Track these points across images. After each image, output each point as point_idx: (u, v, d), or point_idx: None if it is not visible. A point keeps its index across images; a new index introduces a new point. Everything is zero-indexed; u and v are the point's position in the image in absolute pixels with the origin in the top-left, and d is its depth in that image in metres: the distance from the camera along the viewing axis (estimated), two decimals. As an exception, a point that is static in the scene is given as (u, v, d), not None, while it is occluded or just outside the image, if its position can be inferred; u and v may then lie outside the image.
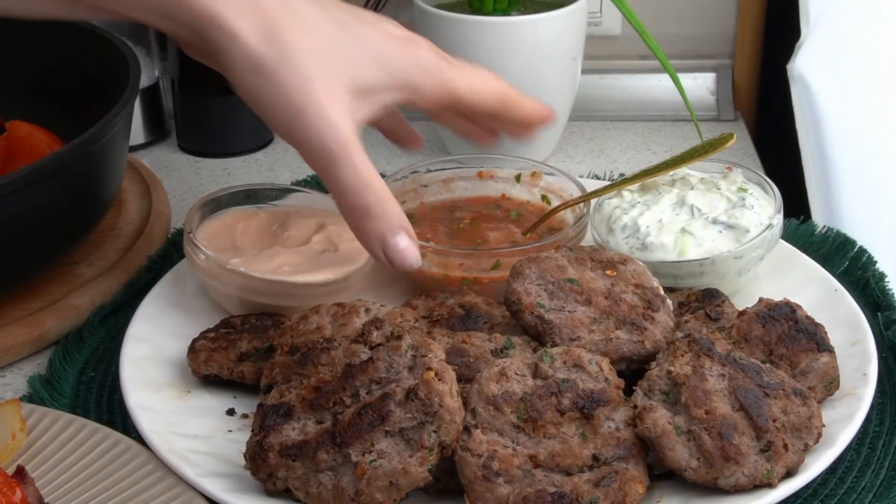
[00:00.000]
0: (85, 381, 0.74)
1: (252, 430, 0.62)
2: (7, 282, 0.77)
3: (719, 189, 0.78)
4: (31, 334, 0.76)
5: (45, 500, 0.59)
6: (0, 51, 0.96)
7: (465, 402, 0.61)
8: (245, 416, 0.68)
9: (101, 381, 0.74)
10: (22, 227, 0.74)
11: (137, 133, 1.04)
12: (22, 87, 0.96)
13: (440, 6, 0.95)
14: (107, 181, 0.82)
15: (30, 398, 0.71)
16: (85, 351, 0.77)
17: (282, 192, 0.82)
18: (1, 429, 0.63)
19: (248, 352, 0.69)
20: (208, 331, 0.72)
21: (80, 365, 0.75)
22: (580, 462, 0.60)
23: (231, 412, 0.69)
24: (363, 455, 0.59)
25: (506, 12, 0.95)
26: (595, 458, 0.60)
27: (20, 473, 0.59)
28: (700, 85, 1.11)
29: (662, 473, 0.63)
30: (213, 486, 0.60)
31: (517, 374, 0.62)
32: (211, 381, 0.70)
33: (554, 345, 0.65)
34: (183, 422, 0.66)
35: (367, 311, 0.68)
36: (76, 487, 0.62)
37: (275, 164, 1.02)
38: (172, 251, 0.86)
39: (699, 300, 0.73)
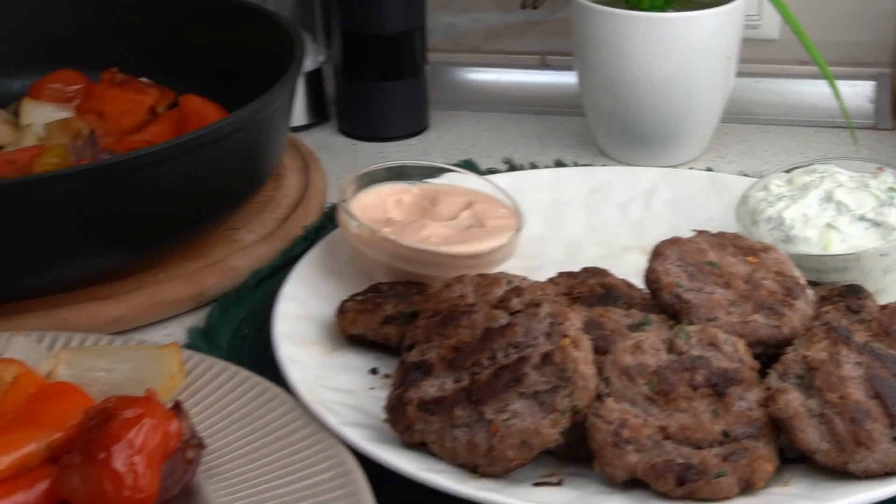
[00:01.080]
0: (239, 337, 0.78)
1: (393, 385, 0.65)
2: (173, 239, 0.82)
3: (868, 187, 0.79)
4: (192, 290, 0.81)
5: (199, 436, 0.63)
6: (176, 31, 1.03)
7: (599, 372, 0.63)
8: (387, 375, 0.71)
9: (254, 337, 0.78)
10: (190, 188, 0.79)
11: (300, 115, 1.08)
12: (195, 65, 1.02)
13: (597, 1, 0.97)
14: (269, 151, 0.87)
15: (188, 348, 0.75)
16: (241, 309, 0.81)
17: (433, 170, 0.85)
18: (161, 370, 0.68)
19: (392, 315, 0.72)
20: (357, 294, 0.75)
21: (236, 322, 0.80)
22: (710, 437, 0.61)
23: (374, 371, 0.72)
24: (497, 414, 0.61)
25: (662, 9, 0.97)
26: (725, 434, 0.61)
27: (177, 408, 0.63)
28: (858, 93, 1.10)
29: (793, 458, 0.63)
30: (354, 435, 0.64)
31: (652, 347, 0.64)
32: (356, 342, 0.73)
33: (690, 323, 0.66)
34: (328, 376, 0.70)
35: (509, 282, 0.70)
36: (226, 427, 0.66)
37: (429, 150, 1.06)
38: (327, 223, 0.90)
39: (841, 295, 0.73)
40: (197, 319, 0.81)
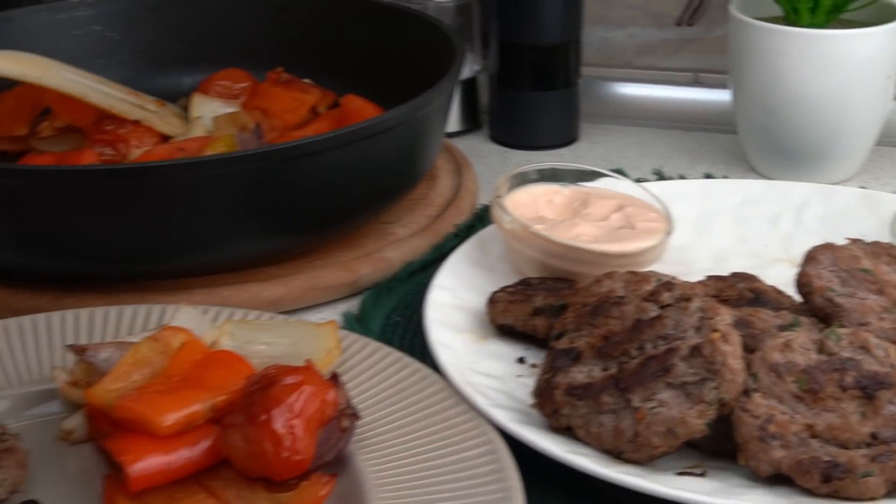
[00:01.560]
0: (391, 324, 0.81)
1: (541, 370, 0.67)
2: (331, 228, 0.86)
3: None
4: (347, 278, 0.85)
5: (354, 406, 0.66)
6: (339, 35, 1.07)
7: (747, 368, 0.64)
8: (534, 365, 0.73)
9: (404, 325, 0.81)
10: (349, 179, 0.83)
11: (454, 121, 1.12)
12: (356, 69, 1.06)
13: (756, 17, 0.98)
14: (425, 149, 0.90)
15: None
16: (393, 299, 0.84)
17: (585, 174, 0.87)
18: (319, 345, 0.71)
19: (542, 307, 0.74)
20: (507, 286, 0.77)
21: (388, 310, 0.83)
22: (857, 438, 0.62)
23: (521, 360, 0.74)
24: (644, 402, 0.63)
25: (821, 26, 0.97)
26: (873, 436, 0.62)
27: (334, 379, 0.66)
28: None
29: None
30: (502, 417, 0.66)
31: (802, 347, 0.64)
32: (505, 332, 0.76)
33: (842, 326, 0.66)
34: (477, 362, 0.72)
35: (659, 280, 0.71)
36: (378, 403, 0.69)
37: (578, 160, 1.08)
38: (477, 223, 0.93)
39: None
40: (350, 306, 0.84)
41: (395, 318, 0.82)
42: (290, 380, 0.63)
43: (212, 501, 0.63)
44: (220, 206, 0.79)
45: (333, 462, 0.64)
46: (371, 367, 0.72)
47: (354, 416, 0.65)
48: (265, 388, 0.63)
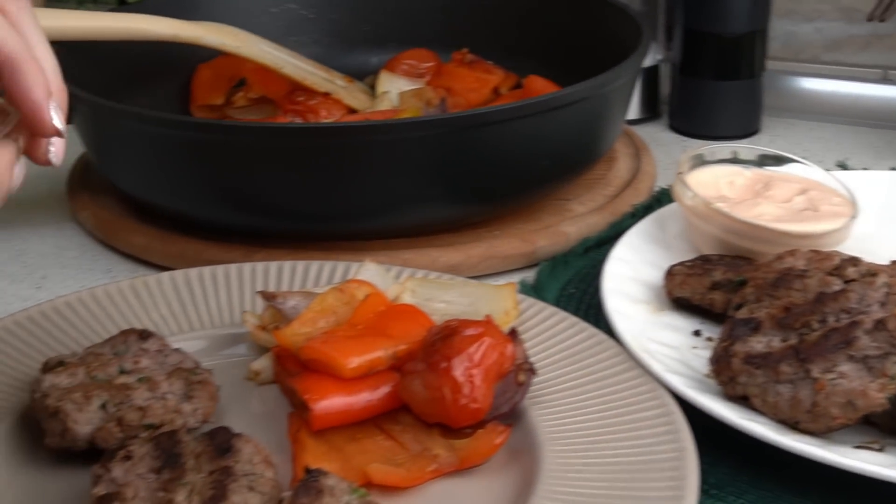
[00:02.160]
0: (566, 296, 0.83)
1: (719, 339, 0.68)
2: (512, 198, 0.88)
3: None
4: (525, 248, 0.86)
5: (531, 362, 0.67)
6: (525, 18, 1.10)
7: (933, 347, 0.63)
8: (710, 339, 0.73)
9: (579, 297, 0.82)
10: (532, 151, 0.84)
11: (634, 109, 1.13)
12: (540, 52, 1.08)
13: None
14: (607, 127, 0.91)
15: (518, 297, 0.80)
16: (568, 271, 0.86)
17: (768, 158, 0.87)
18: (497, 306, 0.73)
19: (720, 282, 0.74)
20: (686, 261, 0.78)
21: (563, 282, 0.84)
22: None
23: (697, 333, 0.74)
24: (824, 373, 0.62)
25: None
26: None
27: (513, 334, 0.68)
28: None
29: None
30: (677, 382, 0.66)
31: None
32: (681, 305, 0.76)
33: None
34: (652, 331, 0.73)
35: (843, 257, 0.71)
36: (554, 363, 0.70)
37: (759, 151, 1.07)
38: (655, 204, 0.93)
39: None
40: (525, 276, 0.86)
41: (570, 289, 0.83)
42: (470, 331, 0.65)
43: (390, 443, 0.65)
44: (405, 170, 0.82)
45: (509, 414, 0.66)
46: (547, 330, 0.73)
47: (531, 370, 0.67)
48: (446, 337, 0.65)
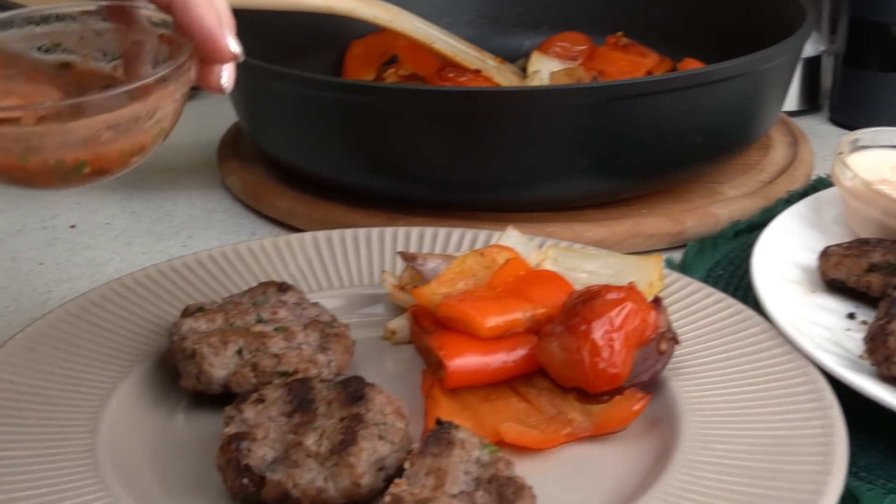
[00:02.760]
0: (713, 276, 0.80)
1: (876, 318, 0.64)
2: (661, 175, 0.86)
3: None
4: (672, 228, 0.84)
5: (674, 331, 0.65)
6: (683, 3, 1.07)
7: None
8: (864, 322, 0.70)
9: (727, 279, 0.80)
10: (685, 125, 0.82)
11: (792, 99, 1.09)
12: (696, 38, 1.05)
13: None
14: (764, 108, 0.88)
15: (663, 275, 0.78)
16: (717, 254, 0.83)
17: (935, 146, 0.83)
18: (642, 277, 0.71)
19: (879, 263, 0.71)
20: (842, 243, 0.75)
21: (711, 263, 0.82)
22: None
23: (851, 316, 0.71)
24: None
25: None
26: None
27: (657, 302, 0.66)
28: None
29: None
30: (828, 360, 0.63)
31: None
32: (836, 287, 0.73)
33: None
34: (804, 312, 0.70)
35: None
36: (698, 336, 0.68)
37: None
38: (811, 191, 0.90)
39: None
40: (671, 256, 0.83)
41: (718, 271, 0.81)
42: (612, 295, 0.64)
43: (524, 405, 0.64)
44: (556, 140, 0.80)
45: (648, 383, 0.64)
46: (693, 304, 0.71)
47: (674, 339, 0.65)
48: (587, 301, 0.64)
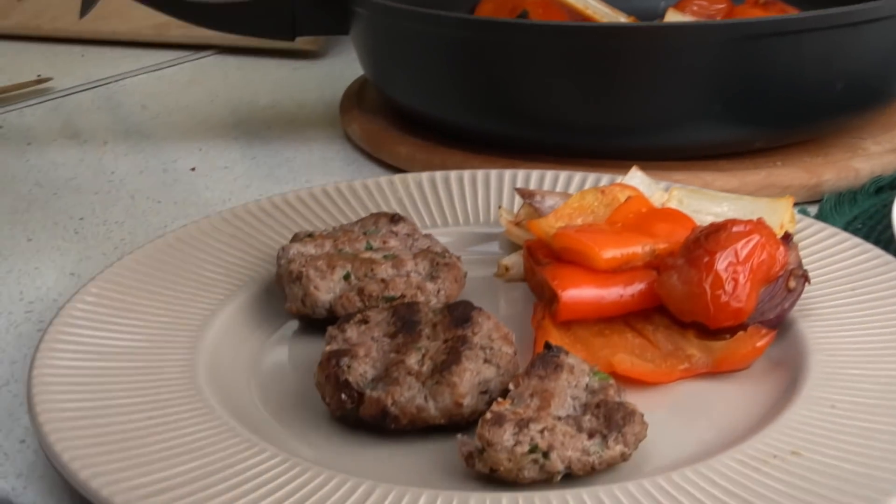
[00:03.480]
0: (850, 231, 0.75)
1: None
2: (798, 124, 0.81)
3: None
4: (808, 180, 0.80)
5: (805, 269, 0.61)
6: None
7: None
8: None
9: (865, 233, 0.75)
10: (825, 71, 0.78)
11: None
12: None
13: None
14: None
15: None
16: (855, 208, 0.79)
17: None
18: (773, 219, 0.67)
19: None
20: None
21: (849, 218, 0.77)
22: None
23: None
24: None
25: None
26: None
27: (786, 238, 0.62)
28: None
29: None
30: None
31: None
32: None
33: None
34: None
35: None
36: (830, 280, 0.64)
37: None
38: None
39: None
40: (806, 208, 0.79)
41: (857, 225, 0.77)
42: (738, 228, 0.60)
43: (640, 340, 0.61)
44: (689, 81, 0.77)
45: (775, 322, 0.60)
46: (826, 249, 0.67)
47: (804, 277, 0.61)
48: (711, 233, 0.61)
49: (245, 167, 0.94)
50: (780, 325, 0.60)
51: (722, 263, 0.59)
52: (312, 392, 0.57)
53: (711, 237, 0.60)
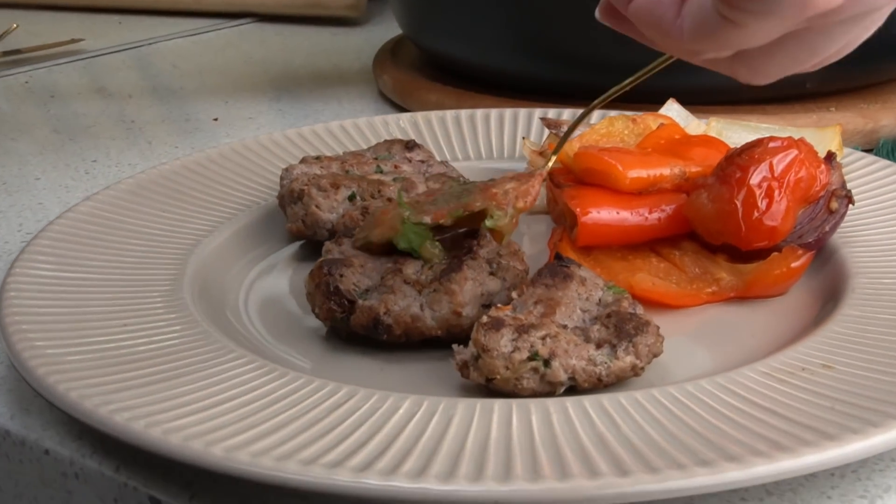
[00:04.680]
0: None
1: None
2: (855, 68, 0.76)
3: None
4: (864, 125, 0.76)
5: (849, 190, 0.57)
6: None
7: None
8: None
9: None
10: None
11: None
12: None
13: None
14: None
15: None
16: (913, 155, 0.74)
17: None
18: (821, 147, 0.62)
19: None
20: None
21: (906, 164, 0.73)
22: None
23: None
24: None
25: None
26: None
27: (829, 157, 0.57)
28: None
29: None
30: None
31: None
32: None
33: None
34: None
35: None
36: (877, 211, 0.60)
37: None
38: None
39: None
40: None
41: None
42: (776, 143, 0.56)
43: (665, 265, 0.57)
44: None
45: (814, 245, 0.56)
46: (878, 181, 0.63)
47: (848, 198, 0.56)
48: (745, 150, 0.56)
49: (269, 118, 0.91)
50: (819, 250, 0.56)
51: (755, 178, 0.55)
52: (307, 311, 0.54)
53: (746, 153, 0.56)
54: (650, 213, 0.58)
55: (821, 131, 0.64)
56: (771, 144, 0.56)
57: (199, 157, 0.69)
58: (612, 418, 0.42)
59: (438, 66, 0.90)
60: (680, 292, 0.54)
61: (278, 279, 0.60)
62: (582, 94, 0.77)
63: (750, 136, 0.65)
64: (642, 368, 0.47)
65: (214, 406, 0.43)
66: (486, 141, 0.72)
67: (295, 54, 1.12)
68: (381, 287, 0.51)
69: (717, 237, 0.56)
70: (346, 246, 0.55)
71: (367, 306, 0.51)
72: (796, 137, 0.63)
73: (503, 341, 0.46)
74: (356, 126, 0.74)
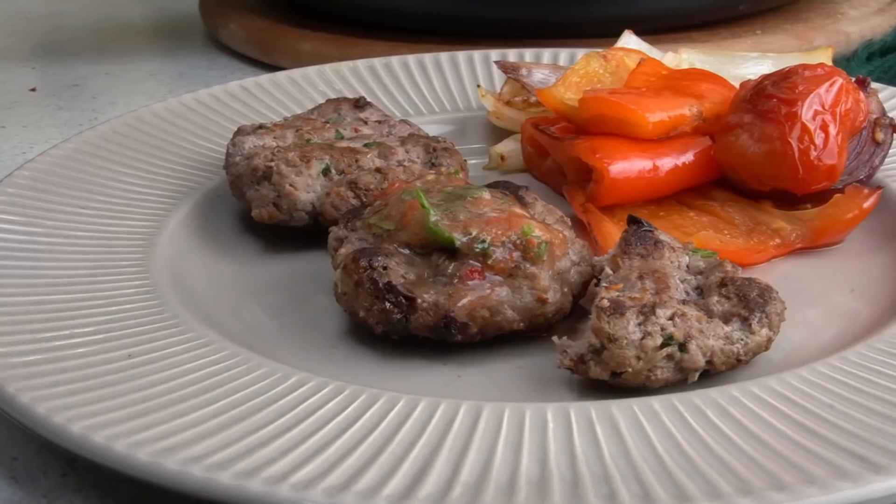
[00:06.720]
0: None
1: None
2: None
3: None
4: (799, 46, 0.75)
5: (891, 117, 0.55)
6: None
7: None
8: None
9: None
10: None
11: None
12: None
13: None
14: None
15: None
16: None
17: None
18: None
19: None
20: None
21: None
22: None
23: None
24: None
25: None
26: None
27: (861, 83, 0.55)
28: None
29: None
30: None
31: None
32: None
33: None
34: None
35: None
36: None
37: None
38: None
39: None
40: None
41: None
42: (816, 71, 0.53)
43: (709, 218, 0.53)
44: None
45: (865, 181, 0.53)
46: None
47: (892, 127, 0.54)
48: (780, 80, 0.53)
49: (100, 83, 0.81)
50: (869, 182, 0.53)
51: (808, 112, 0.51)
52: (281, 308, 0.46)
53: (782, 84, 0.52)
54: (678, 158, 0.54)
55: (809, 56, 0.61)
56: (810, 72, 0.53)
57: (117, 123, 0.60)
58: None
59: (305, 7, 0.82)
60: (747, 248, 0.51)
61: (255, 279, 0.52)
62: (502, 32, 0.73)
63: (731, 67, 0.63)
64: (773, 342, 0.43)
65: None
66: (429, 91, 0.66)
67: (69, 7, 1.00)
68: (437, 278, 0.45)
69: (766, 182, 0.52)
70: (361, 231, 0.48)
71: (433, 303, 0.44)
72: (781, 64, 0.61)
73: (630, 327, 0.41)
74: (258, 85, 0.66)
